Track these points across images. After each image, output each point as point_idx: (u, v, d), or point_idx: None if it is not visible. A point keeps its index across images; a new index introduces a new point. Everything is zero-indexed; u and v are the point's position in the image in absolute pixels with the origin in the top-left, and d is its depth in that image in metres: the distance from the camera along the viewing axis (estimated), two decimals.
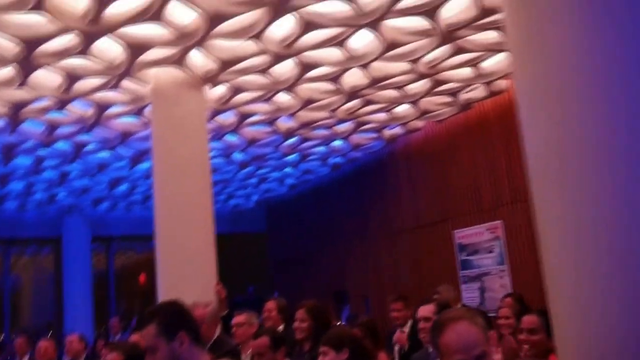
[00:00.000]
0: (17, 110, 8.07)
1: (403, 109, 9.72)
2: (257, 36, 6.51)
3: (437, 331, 2.21)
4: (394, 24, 6.72)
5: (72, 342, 7.00)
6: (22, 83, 7.21)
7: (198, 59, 7.15)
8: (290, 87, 8.15)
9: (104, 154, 10.47)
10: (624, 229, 2.76)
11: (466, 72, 8.32)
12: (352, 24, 6.47)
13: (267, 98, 8.49)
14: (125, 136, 9.43)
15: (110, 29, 6.09)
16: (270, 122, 9.62)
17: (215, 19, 6.04)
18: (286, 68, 7.62)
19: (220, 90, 8.11)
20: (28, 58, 6.56)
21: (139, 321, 2.80)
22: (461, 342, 2.12)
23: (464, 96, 9.29)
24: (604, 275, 2.77)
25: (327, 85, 8.31)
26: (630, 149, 2.80)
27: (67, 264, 14.81)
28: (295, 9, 6.07)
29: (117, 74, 7.20)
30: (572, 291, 2.89)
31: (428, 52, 7.34)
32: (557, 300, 3.00)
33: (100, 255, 16.04)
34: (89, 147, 9.95)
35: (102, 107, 8.32)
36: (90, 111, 8.46)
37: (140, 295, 16.42)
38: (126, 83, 7.59)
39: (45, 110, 8.22)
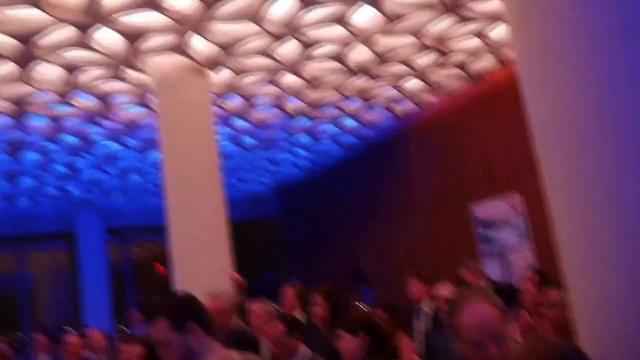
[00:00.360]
0: (20, 106, 8.00)
1: (412, 83, 9.56)
2: (257, 18, 6.37)
3: (453, 311, 2.21)
4: None
5: (94, 338, 6.96)
6: (24, 78, 7.13)
7: (199, 44, 7.03)
8: (295, 68, 8.01)
9: (112, 145, 10.40)
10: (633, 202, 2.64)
11: (474, 43, 8.14)
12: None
13: (272, 80, 8.36)
14: (131, 126, 9.35)
15: (108, 18, 5.98)
16: (278, 104, 9.49)
17: (213, 2, 5.90)
18: (289, 49, 7.48)
19: (224, 74, 7.98)
20: (28, 53, 6.47)
21: (147, 315, 2.70)
22: (478, 321, 2.11)
23: (474, 68, 9.10)
24: (616, 249, 2.67)
25: (333, 64, 8.16)
26: (635, 111, 2.68)
27: (83, 258, 14.83)
28: None
29: (116, 63, 7.10)
30: (585, 269, 2.81)
31: (432, 24, 7.18)
32: (571, 277, 2.92)
33: (115, 247, 16.05)
34: (97, 139, 9.88)
35: (106, 98, 8.23)
36: (94, 103, 8.37)
37: (158, 285, 16.44)
38: (129, 72, 7.49)
39: (49, 104, 8.13)
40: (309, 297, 5.08)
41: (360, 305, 6.42)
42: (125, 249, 16.33)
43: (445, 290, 4.68)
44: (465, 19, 7.24)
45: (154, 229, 15.83)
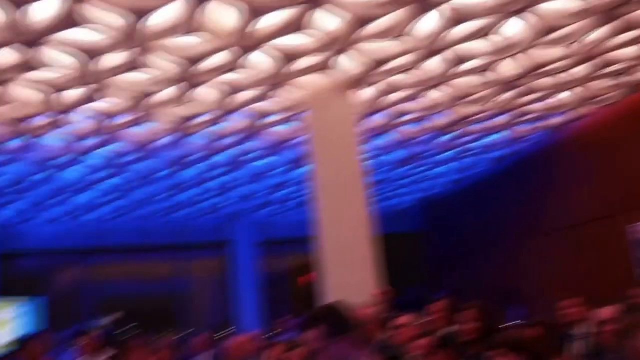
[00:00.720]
0: (182, 126, 8.63)
1: (565, 95, 9.14)
2: (403, 35, 6.43)
3: (626, 335, 2.12)
4: (548, 8, 6.34)
5: (244, 342, 7.26)
6: (186, 100, 7.70)
7: (346, 63, 7.21)
8: (441, 83, 7.98)
9: (264, 162, 10.89)
10: None
11: (632, 51, 7.65)
12: (503, 11, 6.19)
13: (418, 96, 8.38)
14: (282, 143, 9.75)
15: (261, 42, 6.32)
16: (424, 119, 9.48)
17: (359, 22, 6.05)
18: (435, 64, 7.46)
19: (370, 91, 8.12)
20: (189, 77, 6.99)
21: (303, 324, 2.83)
22: None
23: (632, 77, 8.53)
24: None
25: (480, 78, 8.02)
26: None
27: (236, 267, 15.65)
28: (440, 3, 5.92)
29: (272, 84, 7.47)
30: None
31: (587, 33, 6.85)
32: None
33: (265, 258, 16.71)
34: (250, 156, 10.39)
35: (260, 117, 8.66)
36: (248, 122, 8.84)
37: (305, 296, 16.87)
38: (282, 91, 7.84)
39: (207, 123, 8.70)
40: (459, 313, 4.99)
41: (513, 324, 6.22)
42: (275, 259, 16.94)
43: (608, 313, 4.43)
44: (622, 27, 6.84)
45: (303, 241, 16.32)
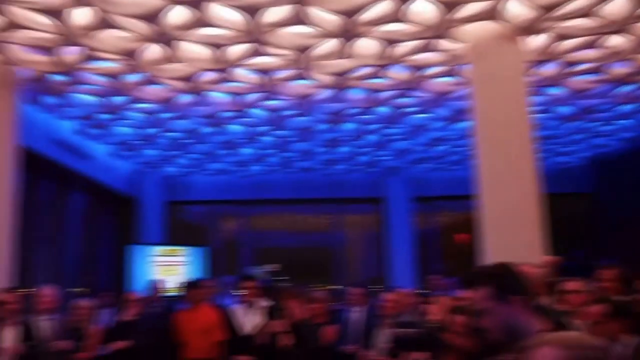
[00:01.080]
0: (341, 79, 8.61)
1: None
2: None
3: None
4: None
5: (400, 298, 7.25)
6: (345, 53, 7.64)
7: (514, 9, 6.74)
8: (623, 28, 7.23)
9: (422, 115, 10.66)
10: None
11: None
12: None
13: (595, 43, 7.67)
14: (442, 96, 9.45)
15: None
16: (600, 69, 8.70)
17: None
18: (617, 6, 6.75)
19: (540, 39, 7.55)
20: (349, 29, 6.90)
21: (469, 281, 2.68)
22: None
23: None
24: None
25: None
26: None
27: (390, 223, 15.65)
28: None
29: (432, 35, 7.19)
30: None
31: None
32: None
33: (420, 214, 16.57)
34: (408, 110, 10.21)
35: (419, 69, 8.42)
36: (407, 74, 8.63)
37: (458, 255, 16.57)
38: (441, 43, 7.54)
39: (366, 77, 8.61)
40: (634, 281, 4.58)
41: None
42: (429, 216, 16.76)
43: None
44: None
45: (458, 198, 15.98)
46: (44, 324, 6.50)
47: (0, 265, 7.48)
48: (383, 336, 6.28)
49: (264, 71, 8.30)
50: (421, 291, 10.87)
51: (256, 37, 7.03)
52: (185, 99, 9.39)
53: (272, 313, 5.35)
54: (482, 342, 3.07)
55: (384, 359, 5.89)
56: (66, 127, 10.75)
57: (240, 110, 9.98)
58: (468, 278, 2.69)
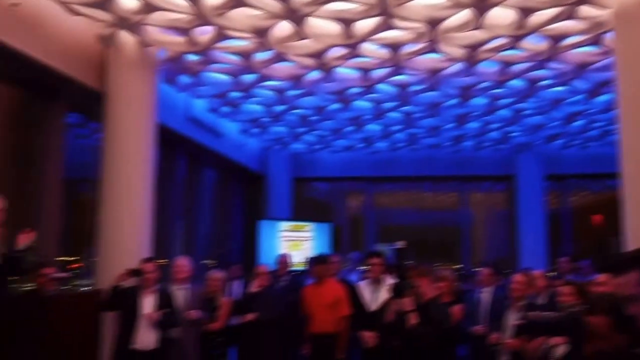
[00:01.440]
0: (472, 52, 8.29)
1: None
2: None
3: None
4: None
5: (535, 278, 6.93)
6: (478, 24, 7.33)
7: None
8: None
9: (559, 89, 10.07)
10: None
11: None
12: None
13: None
14: (581, 68, 8.86)
15: None
16: None
17: None
18: None
19: None
20: None
21: (614, 266, 2.48)
22: None
23: None
24: None
25: None
26: None
27: (521, 202, 15.02)
28: None
29: (572, 2, 6.72)
30: None
31: None
32: None
33: (553, 193, 15.80)
34: (544, 83, 9.68)
35: (557, 39, 7.92)
36: (544, 45, 8.16)
37: (593, 236, 15.67)
38: (583, 10, 7.03)
39: (500, 48, 8.23)
40: None
41: None
42: (563, 195, 15.95)
43: None
44: None
45: (595, 177, 15.08)
46: (179, 293, 6.85)
47: (140, 237, 7.93)
48: (513, 318, 6.05)
49: (392, 46, 8.16)
50: (551, 274, 10.41)
51: (386, 10, 6.90)
52: (313, 75, 9.45)
53: (399, 290, 5.28)
54: (629, 331, 2.86)
55: (516, 342, 5.66)
56: (200, 106, 11.18)
57: (367, 87, 9.90)
58: (612, 262, 2.49)
